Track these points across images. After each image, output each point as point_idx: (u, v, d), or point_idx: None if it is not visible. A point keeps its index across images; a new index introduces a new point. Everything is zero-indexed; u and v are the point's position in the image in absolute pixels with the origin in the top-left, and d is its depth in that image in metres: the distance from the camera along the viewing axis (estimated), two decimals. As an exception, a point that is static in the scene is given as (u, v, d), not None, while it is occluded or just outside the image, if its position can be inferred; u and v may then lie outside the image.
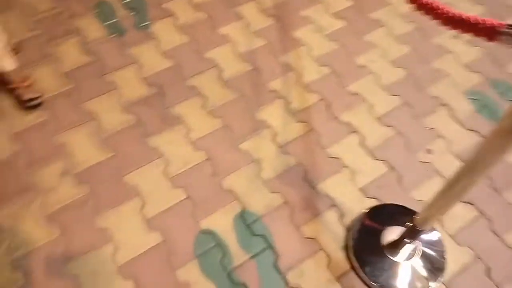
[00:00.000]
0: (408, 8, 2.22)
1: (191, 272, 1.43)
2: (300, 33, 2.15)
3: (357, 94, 1.92)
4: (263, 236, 1.52)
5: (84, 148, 1.69)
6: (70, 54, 1.98)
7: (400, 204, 1.59)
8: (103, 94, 1.85)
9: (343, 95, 1.92)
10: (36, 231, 1.49)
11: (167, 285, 1.41)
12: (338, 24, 2.20)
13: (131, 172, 1.64)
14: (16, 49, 1.88)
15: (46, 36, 2.04)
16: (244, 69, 1.99)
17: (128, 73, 1.94)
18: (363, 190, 1.65)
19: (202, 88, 1.91)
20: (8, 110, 1.79)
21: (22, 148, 1.68)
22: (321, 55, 2.06)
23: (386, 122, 1.84)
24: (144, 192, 1.59)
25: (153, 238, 1.49)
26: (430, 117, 1.86)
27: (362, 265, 1.47)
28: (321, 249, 1.51)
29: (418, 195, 1.64)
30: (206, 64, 1.99)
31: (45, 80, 1.88)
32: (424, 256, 1.47)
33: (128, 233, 1.50)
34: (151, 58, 2.00)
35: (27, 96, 1.75)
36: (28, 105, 1.76)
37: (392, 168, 1.71)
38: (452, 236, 1.55)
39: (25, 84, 1.76)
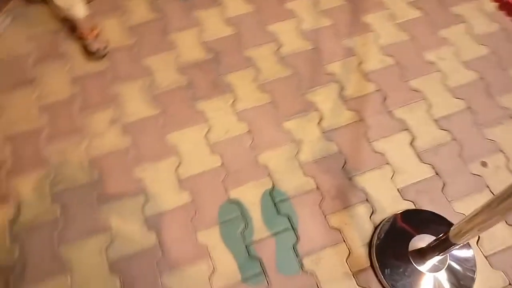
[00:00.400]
0: (495, 6, 2.03)
1: (211, 237, 1.47)
2: (371, 18, 2.05)
3: (418, 91, 1.81)
4: (288, 217, 1.51)
5: (135, 101, 1.77)
6: (139, 9, 2.05)
7: (438, 213, 1.51)
8: (162, 52, 1.91)
9: (402, 89, 1.82)
10: (78, 171, 1.60)
11: (187, 244, 1.46)
12: (414, 14, 2.07)
13: (174, 131, 1.69)
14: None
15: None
16: (304, 47, 1.94)
17: (189, 35, 1.98)
18: (401, 191, 1.57)
19: (257, 60, 1.90)
20: (73, 54, 1.91)
21: (80, 91, 1.79)
22: (388, 44, 1.96)
23: (443, 126, 1.72)
24: (182, 153, 1.64)
25: (183, 198, 1.54)
26: (494, 128, 1.71)
27: (383, 266, 1.41)
28: (344, 241, 1.47)
29: (460, 208, 1.53)
30: (266, 37, 1.98)
31: (111, 32, 1.97)
32: (452, 271, 1.39)
33: (160, 188, 1.56)
34: (214, 24, 2.02)
35: (94, 46, 1.86)
36: (94, 55, 1.86)
37: (438, 174, 1.61)
38: (487, 257, 1.44)
39: (94, 33, 1.87)
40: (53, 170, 1.59)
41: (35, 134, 1.68)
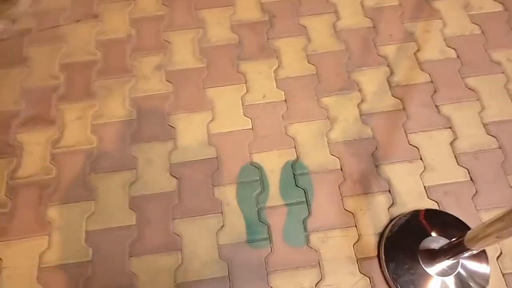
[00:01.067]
0: None
1: (227, 193, 1.52)
2: (442, 4, 1.91)
3: (474, 90, 1.69)
4: (304, 190, 1.51)
5: (183, 51, 1.81)
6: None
7: (462, 219, 1.44)
8: (220, 7, 1.92)
9: (457, 85, 1.70)
10: (119, 109, 1.69)
11: (203, 196, 1.52)
12: (493, 7, 1.89)
13: (213, 87, 1.72)
14: None
15: None
16: (363, 24, 1.86)
17: (249, -6, 1.97)
18: (428, 190, 1.51)
19: (311, 30, 1.85)
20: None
21: (135, 33, 1.87)
22: (453, 36, 1.82)
23: (492, 131, 1.60)
24: (217, 109, 1.68)
25: (208, 152, 1.59)
26: (549, 144, 1.58)
27: (389, 259, 1.39)
28: (356, 226, 1.46)
29: (488, 219, 1.45)
30: (326, 8, 1.91)
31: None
32: (460, 279, 1.33)
33: (189, 139, 1.62)
34: (276, -14, 1.99)
35: None
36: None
37: (472, 180, 1.52)
38: (505, 275, 1.37)
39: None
40: (97, 103, 1.70)
41: (89, 66, 1.79)
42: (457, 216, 1.45)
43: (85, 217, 1.48)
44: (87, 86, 1.74)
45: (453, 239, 1.27)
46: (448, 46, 1.80)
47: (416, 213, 1.45)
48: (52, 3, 1.94)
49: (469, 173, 1.54)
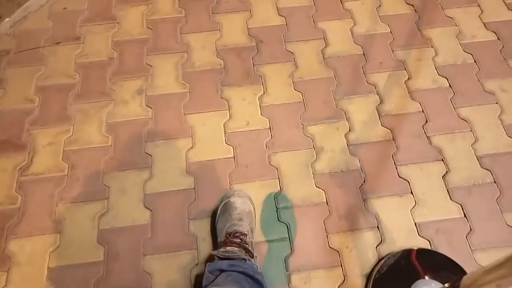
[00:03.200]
0: None
1: (203, 228, 1.38)
2: (434, 33, 1.83)
3: (467, 120, 1.59)
4: (287, 225, 1.39)
5: (166, 76, 1.71)
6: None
7: (456, 260, 1.31)
8: (206, 31, 1.84)
9: (449, 115, 1.60)
10: (95, 134, 1.58)
11: (177, 230, 1.40)
12: (486, 36, 1.81)
13: (194, 113, 1.62)
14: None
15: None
16: (351, 51, 1.78)
17: (236, 19, 1.88)
18: (419, 226, 1.39)
19: (299, 56, 1.77)
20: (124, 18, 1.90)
21: (117, 56, 1.78)
22: (446, 65, 1.74)
23: (486, 165, 1.49)
24: (197, 135, 1.56)
25: (186, 182, 1.46)
26: (547, 179, 1.46)
27: (376, 304, 1.26)
28: (341, 266, 1.32)
29: (484, 260, 1.32)
30: (314, 34, 1.83)
31: (162, 2, 1.94)
32: (453, 330, 1.20)
33: (167, 169, 1.49)
34: (265, 11, 1.90)
35: None
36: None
37: (466, 217, 1.39)
38: (502, 325, 1.23)
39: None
40: (72, 128, 1.59)
41: (67, 89, 1.69)
42: (451, 255, 1.31)
43: (49, 251, 1.35)
44: (63, 110, 1.63)
45: (446, 284, 1.14)
46: (440, 75, 1.71)
47: (406, 253, 1.32)
48: (34, 25, 1.86)
49: (462, 209, 1.41)
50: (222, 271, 1.13)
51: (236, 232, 1.26)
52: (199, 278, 1.30)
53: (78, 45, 1.80)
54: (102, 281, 1.30)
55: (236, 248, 1.21)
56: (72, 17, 1.89)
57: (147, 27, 1.86)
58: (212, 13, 1.90)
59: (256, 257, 1.28)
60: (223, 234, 1.29)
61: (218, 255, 1.20)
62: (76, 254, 1.34)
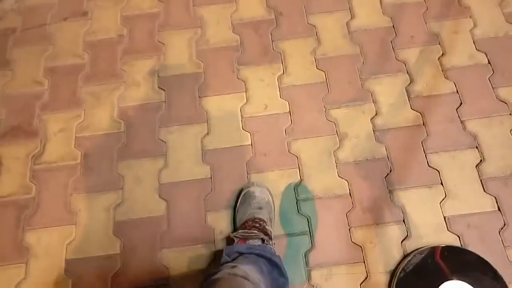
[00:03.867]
0: None
1: (220, 220, 1.34)
2: (473, 0, 1.64)
3: (506, 102, 1.44)
4: (308, 219, 1.32)
5: (179, 55, 1.60)
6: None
7: (487, 259, 1.23)
8: (220, 3, 1.70)
9: (486, 97, 1.46)
10: (107, 120, 1.51)
11: (194, 222, 1.35)
12: (532, 2, 1.62)
13: (209, 96, 1.52)
14: None
15: None
16: (380, 23, 1.62)
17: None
18: (448, 220, 1.30)
19: (321, 30, 1.62)
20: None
21: (127, 34, 1.66)
22: (485, 38, 1.56)
23: (526, 153, 1.37)
24: (212, 121, 1.47)
25: (202, 171, 1.40)
26: None
27: (400, 304, 1.21)
28: (364, 262, 1.27)
29: (517, 259, 1.24)
30: (339, 3, 1.67)
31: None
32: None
33: (182, 156, 1.42)
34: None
35: None
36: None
37: (500, 210, 1.30)
38: (535, 329, 1.17)
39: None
40: (83, 113, 1.53)
41: (76, 70, 1.61)
42: (482, 253, 1.23)
43: (66, 243, 1.33)
44: (73, 94, 1.55)
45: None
46: (478, 50, 1.54)
47: (433, 250, 1.25)
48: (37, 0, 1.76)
49: (497, 201, 1.31)
50: (240, 253, 1.09)
51: (255, 218, 1.22)
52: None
53: (86, 21, 1.70)
54: (120, 275, 1.28)
55: (255, 230, 1.17)
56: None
57: (158, 0, 1.73)
58: (227, -18, 1.75)
59: (274, 243, 1.23)
60: (242, 222, 1.25)
61: (237, 236, 1.17)
62: (93, 246, 1.32)
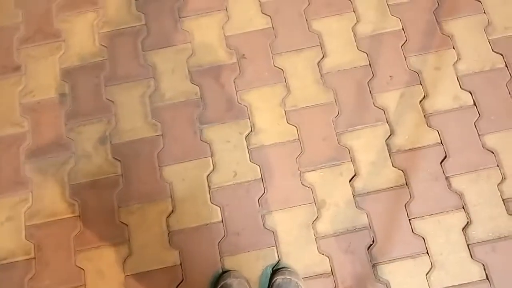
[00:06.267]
0: None
1: (195, 312, 1.22)
2: (457, 27, 1.42)
3: (493, 152, 1.29)
4: (288, 304, 1.21)
5: (130, 115, 1.37)
6: None
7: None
8: (172, 45, 1.44)
9: (472, 146, 1.30)
10: (58, 202, 1.31)
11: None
12: (520, 25, 1.43)
13: (171, 165, 1.31)
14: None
15: None
16: (355, 62, 1.40)
17: (210, 24, 1.45)
18: (436, 296, 1.21)
19: (290, 75, 1.38)
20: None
21: (69, 91, 1.40)
22: (470, 73, 1.37)
23: (515, 211, 1.26)
24: (176, 195, 1.28)
25: (170, 258, 1.24)
26: None
27: None
28: None
29: (506, 335, 1.17)
30: (309, 39, 1.42)
31: None
32: None
33: (145, 235, 1.28)
34: (245, 9, 1.47)
35: None
36: None
37: (489, 279, 1.19)
38: None
39: None
40: (30, 195, 1.31)
41: (16, 141, 1.37)
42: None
43: None
44: (16, 172, 1.33)
45: None
46: (463, 89, 1.35)
47: (421, 333, 1.17)
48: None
49: (485, 269, 1.21)
50: None
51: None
52: None
53: (20, 77, 1.43)
54: None
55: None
56: (6, 36, 1.48)
57: (101, 44, 1.45)
58: (179, 18, 1.47)
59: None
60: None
61: None
62: None
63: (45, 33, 1.47)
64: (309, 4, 1.47)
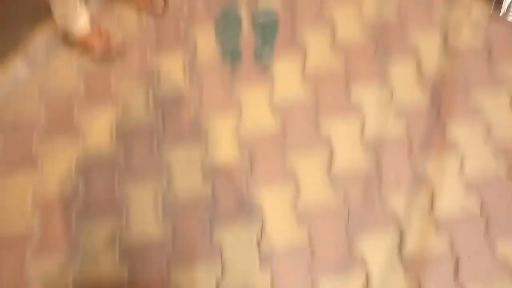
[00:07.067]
0: None
1: None
2: (461, 132, 1.46)
3: (506, 263, 1.27)
4: None
5: (142, 214, 1.36)
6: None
7: None
8: (187, 145, 1.47)
9: (485, 255, 1.27)
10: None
11: None
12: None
13: (180, 271, 1.28)
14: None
15: None
16: (363, 165, 1.41)
17: (225, 123, 1.52)
18: None
19: (301, 175, 1.40)
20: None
21: (82, 186, 1.40)
22: (475, 177, 1.40)
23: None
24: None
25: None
26: None
27: None
28: None
29: None
30: (317, 141, 1.46)
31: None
32: None
33: None
34: (257, 108, 1.54)
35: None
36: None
37: None
38: None
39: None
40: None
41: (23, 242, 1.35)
42: None
43: None
44: (19, 273, 1.29)
45: None
46: (470, 195, 1.37)
47: None
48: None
49: None
50: None
51: None
52: None
53: (35, 171, 1.43)
54: None
55: None
56: (26, 128, 1.51)
57: (117, 140, 1.48)
58: (194, 115, 1.52)
59: None
60: None
61: None
62: None
63: (65, 127, 1.50)
64: (317, 107, 1.53)
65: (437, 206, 1.36)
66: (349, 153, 1.45)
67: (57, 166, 1.44)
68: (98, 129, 1.50)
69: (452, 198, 1.37)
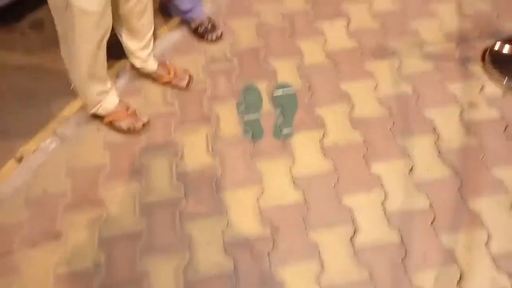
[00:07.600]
0: None
1: None
2: (482, 205, 1.44)
3: None
4: None
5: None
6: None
7: None
8: (207, 219, 1.49)
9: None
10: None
11: None
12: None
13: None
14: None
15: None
16: (387, 238, 1.38)
17: (246, 197, 1.53)
18: None
19: (324, 250, 1.39)
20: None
21: (104, 260, 1.38)
22: (504, 253, 1.36)
23: None
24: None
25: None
26: None
27: None
28: None
29: None
30: (340, 215, 1.44)
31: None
32: None
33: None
34: (279, 184, 1.56)
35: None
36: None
37: None
38: None
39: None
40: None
41: None
42: None
43: None
44: None
45: None
46: (499, 272, 1.34)
47: None
48: (5, 218, 1.51)
49: None
50: None
51: None
52: None
53: (59, 245, 1.44)
54: None
55: None
56: (53, 203, 1.54)
57: (141, 214, 1.50)
58: (216, 188, 1.55)
59: None
60: None
61: None
62: None
63: (90, 201, 1.52)
64: (338, 180, 1.54)
65: (466, 282, 1.31)
66: (372, 226, 1.43)
67: (80, 239, 1.44)
68: (122, 201, 1.52)
69: (481, 274, 1.32)
